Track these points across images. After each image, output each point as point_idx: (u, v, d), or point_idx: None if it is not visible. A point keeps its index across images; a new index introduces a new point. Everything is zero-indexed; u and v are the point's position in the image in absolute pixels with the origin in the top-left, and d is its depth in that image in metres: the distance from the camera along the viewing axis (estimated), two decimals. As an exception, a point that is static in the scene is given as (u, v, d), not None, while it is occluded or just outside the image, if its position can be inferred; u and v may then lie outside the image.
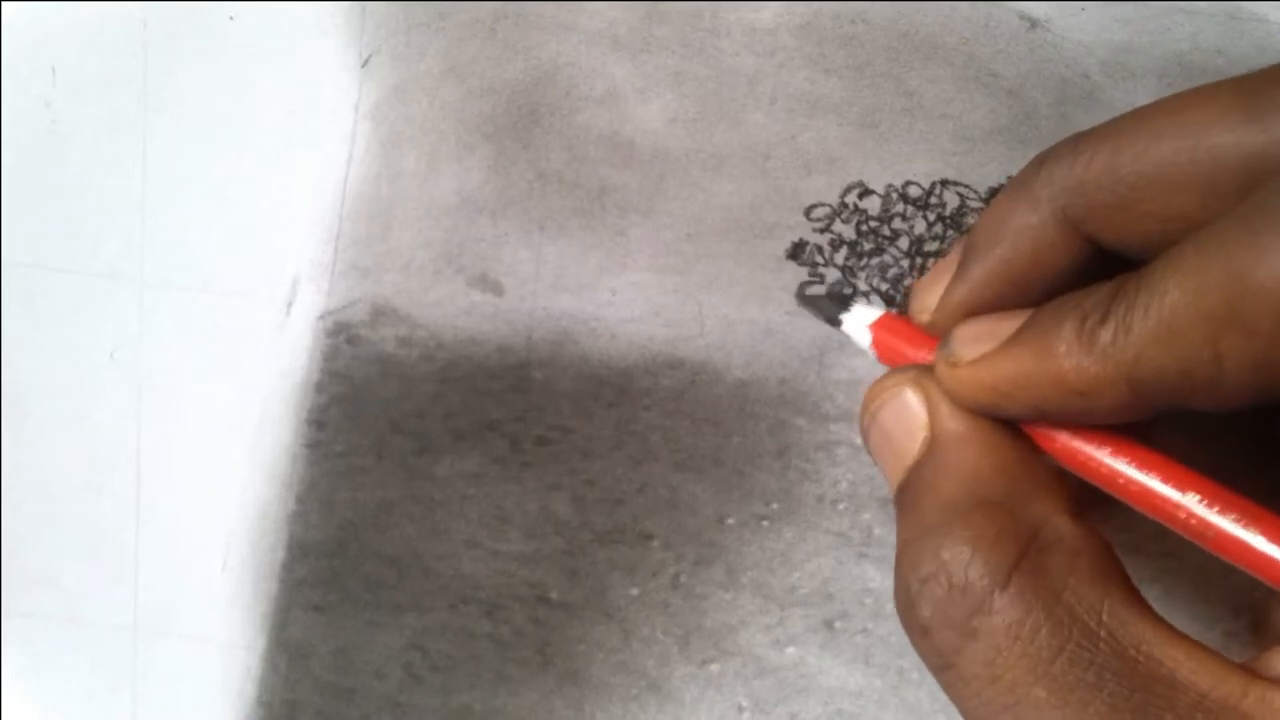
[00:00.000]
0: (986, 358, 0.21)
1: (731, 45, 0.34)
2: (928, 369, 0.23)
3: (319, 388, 0.34)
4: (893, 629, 0.33)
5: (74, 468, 0.35)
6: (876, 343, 0.26)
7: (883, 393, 0.23)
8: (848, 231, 0.34)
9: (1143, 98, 0.33)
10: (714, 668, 0.33)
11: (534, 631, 0.33)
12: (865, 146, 0.33)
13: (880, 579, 0.33)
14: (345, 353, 0.34)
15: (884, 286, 0.34)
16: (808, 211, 0.33)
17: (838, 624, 0.33)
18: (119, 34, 0.34)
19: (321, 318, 0.34)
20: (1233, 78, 0.21)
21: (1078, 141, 0.22)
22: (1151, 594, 0.32)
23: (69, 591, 0.35)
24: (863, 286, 0.34)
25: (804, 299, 0.33)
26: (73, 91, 0.35)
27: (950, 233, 0.34)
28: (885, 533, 0.33)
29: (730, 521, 0.33)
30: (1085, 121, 0.33)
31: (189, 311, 0.34)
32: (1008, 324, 0.21)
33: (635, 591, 0.33)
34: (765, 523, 0.33)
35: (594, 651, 0.33)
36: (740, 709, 0.33)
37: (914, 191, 0.33)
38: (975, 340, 0.22)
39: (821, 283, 0.33)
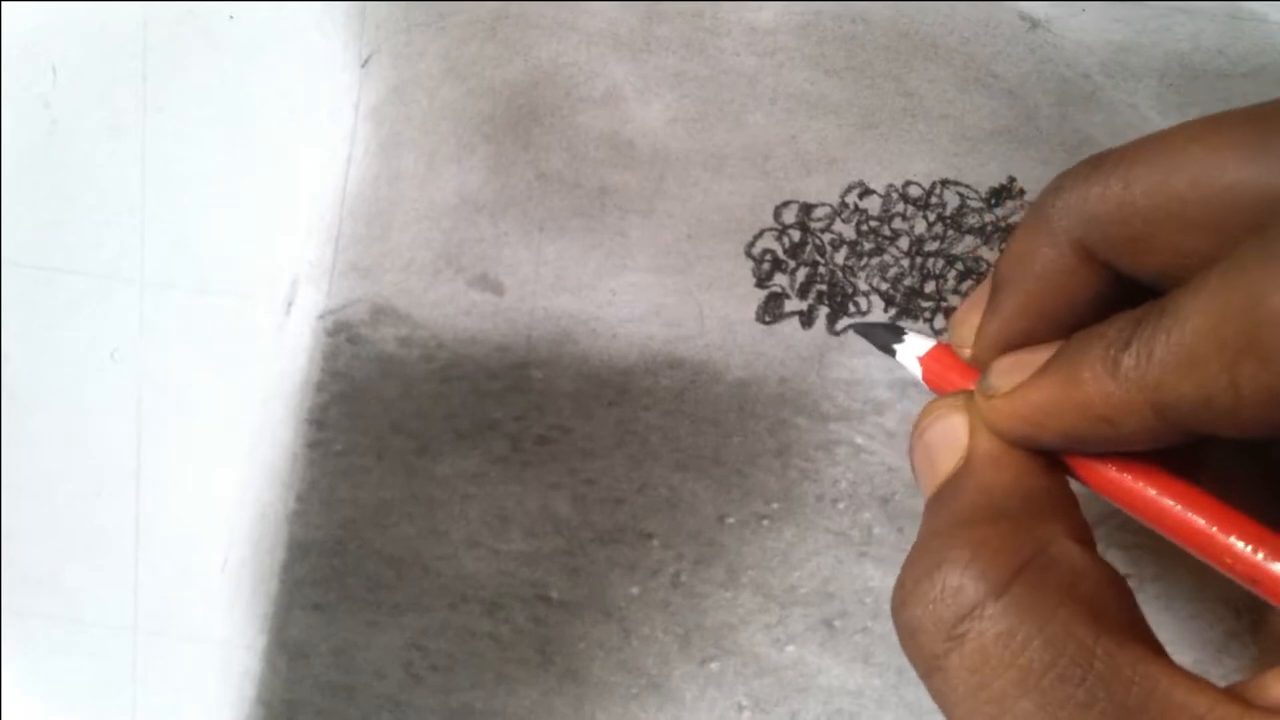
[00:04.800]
0: (1019, 389, 0.22)
1: (732, 45, 0.34)
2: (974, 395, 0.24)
3: (319, 387, 0.34)
4: (893, 628, 0.33)
5: (74, 468, 0.35)
6: (926, 372, 0.26)
7: (933, 412, 0.24)
8: (848, 231, 0.34)
9: (1144, 98, 0.33)
10: (714, 666, 0.33)
11: (534, 630, 0.33)
12: (865, 147, 0.33)
13: (880, 578, 0.33)
14: (345, 352, 0.34)
15: (884, 286, 0.34)
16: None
17: (837, 623, 0.33)
18: (119, 34, 0.34)
19: (321, 317, 0.34)
20: (1247, 108, 0.21)
21: (1091, 170, 0.22)
22: (1152, 592, 0.32)
23: (69, 591, 0.35)
24: (863, 286, 0.34)
25: (860, 328, 0.33)
26: (73, 91, 0.35)
27: (950, 233, 0.34)
28: (885, 532, 0.33)
29: (730, 521, 0.33)
30: (1086, 121, 0.33)
31: (189, 311, 0.34)
32: (1039, 356, 0.22)
33: (635, 590, 0.33)
34: (765, 522, 0.33)
35: (594, 650, 0.33)
36: (740, 707, 0.33)
37: (914, 191, 0.34)
38: (1008, 373, 0.22)
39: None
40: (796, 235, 0.34)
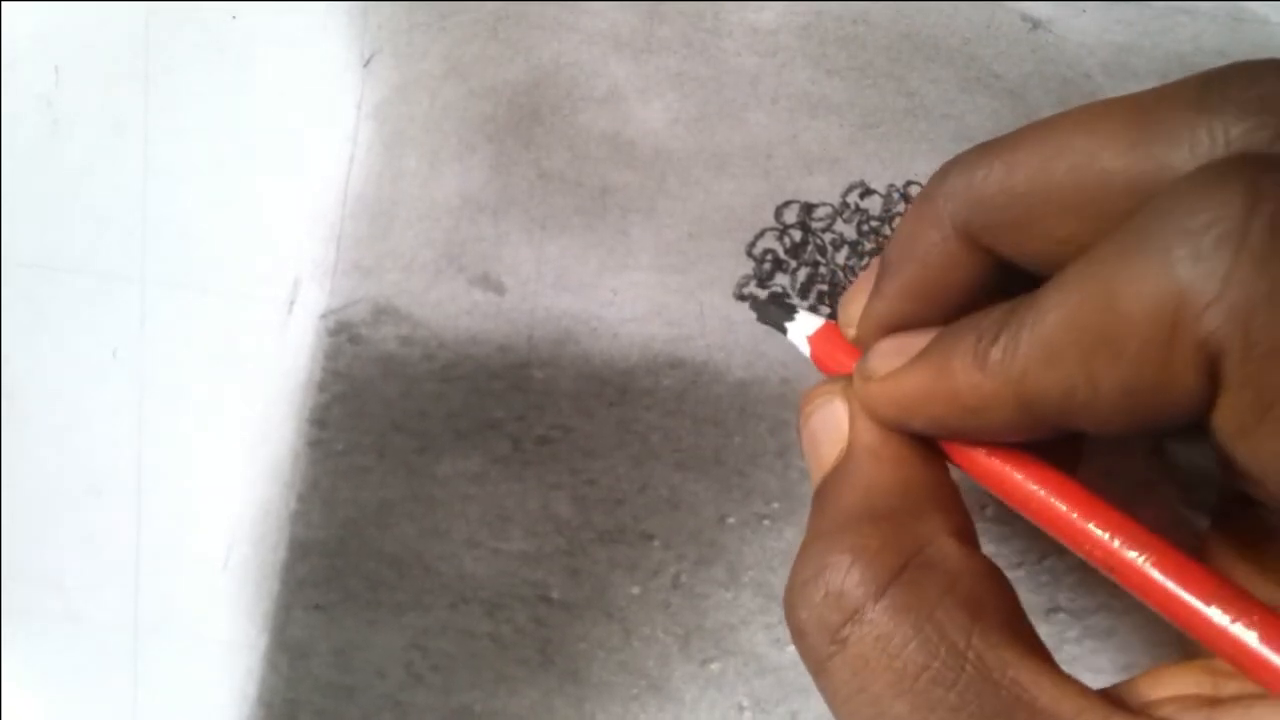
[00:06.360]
0: (894, 374, 0.22)
1: (733, 45, 0.34)
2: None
3: (320, 387, 0.34)
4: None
5: (75, 467, 0.35)
6: (814, 352, 0.27)
7: (815, 398, 0.24)
8: (849, 231, 0.34)
9: (1143, 98, 0.33)
10: (715, 667, 0.33)
11: (535, 631, 0.33)
12: (867, 147, 0.33)
13: (881, 579, 0.33)
14: (347, 352, 0.34)
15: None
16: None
17: (839, 624, 0.33)
18: (121, 34, 0.34)
19: (323, 317, 0.34)
20: (1130, 95, 0.20)
21: (976, 156, 0.22)
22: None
23: (69, 591, 0.35)
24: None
25: (752, 303, 0.33)
26: (74, 91, 0.35)
27: (951, 233, 0.34)
28: (886, 532, 0.33)
29: (731, 521, 0.33)
30: (1086, 122, 0.33)
31: (191, 311, 0.34)
32: (918, 341, 0.22)
33: (636, 591, 0.33)
34: (766, 522, 0.33)
35: (595, 651, 0.33)
36: (741, 708, 0.33)
37: (916, 192, 0.34)
38: (887, 357, 0.22)
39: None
40: (798, 235, 0.34)
